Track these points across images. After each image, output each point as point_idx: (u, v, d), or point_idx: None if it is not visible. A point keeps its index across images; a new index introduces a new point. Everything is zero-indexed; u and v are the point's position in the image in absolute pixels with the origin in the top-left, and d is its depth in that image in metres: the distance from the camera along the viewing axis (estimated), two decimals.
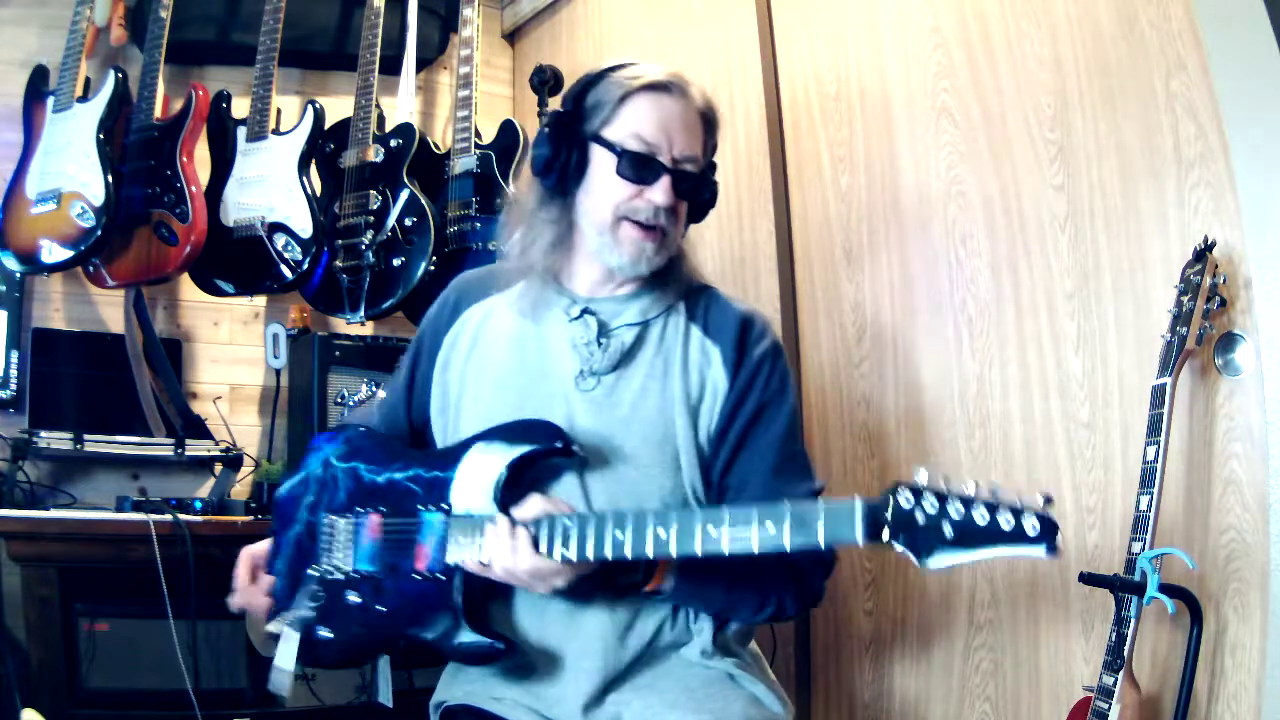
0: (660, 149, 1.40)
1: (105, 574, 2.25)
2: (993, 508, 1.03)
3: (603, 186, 1.42)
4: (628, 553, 1.22)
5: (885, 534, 1.08)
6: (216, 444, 2.60)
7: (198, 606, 2.15)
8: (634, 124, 1.40)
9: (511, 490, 1.34)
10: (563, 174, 1.44)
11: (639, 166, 1.40)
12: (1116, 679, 1.43)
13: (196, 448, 2.55)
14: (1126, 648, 1.44)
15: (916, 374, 2.01)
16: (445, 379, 1.52)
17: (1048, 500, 1.02)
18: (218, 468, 2.64)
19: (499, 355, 1.49)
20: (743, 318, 1.49)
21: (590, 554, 1.23)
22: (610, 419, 1.41)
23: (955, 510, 1.04)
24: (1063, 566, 1.73)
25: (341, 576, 1.42)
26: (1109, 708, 1.43)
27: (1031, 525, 1.01)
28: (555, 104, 2.66)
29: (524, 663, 1.37)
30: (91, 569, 2.22)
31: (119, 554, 2.15)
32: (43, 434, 2.37)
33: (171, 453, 2.50)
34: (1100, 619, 1.66)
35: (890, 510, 1.07)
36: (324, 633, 1.42)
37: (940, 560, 1.05)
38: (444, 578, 1.34)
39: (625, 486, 1.39)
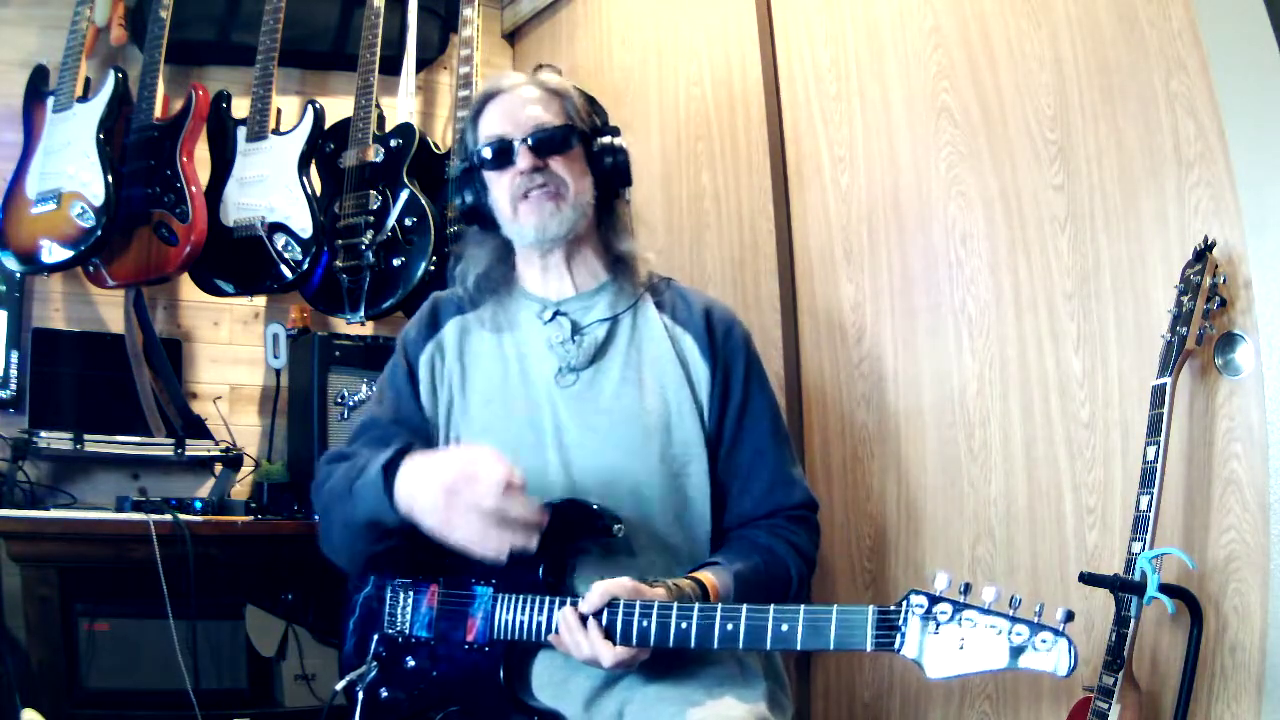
0: (508, 133, 1.53)
1: (105, 574, 2.26)
2: (1010, 621, 1.05)
3: (491, 188, 1.56)
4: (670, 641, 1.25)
5: (896, 645, 1.10)
6: (216, 444, 2.60)
7: (198, 606, 2.15)
8: (485, 130, 1.55)
9: (555, 565, 1.38)
10: (477, 210, 1.57)
11: (496, 156, 1.53)
12: (1116, 679, 1.43)
13: (196, 448, 2.54)
14: (1126, 648, 1.43)
15: (916, 374, 2.01)
16: (434, 387, 1.57)
17: (1068, 617, 1.03)
18: (218, 468, 2.64)
19: (483, 368, 1.56)
20: (705, 307, 1.59)
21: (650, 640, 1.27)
22: (592, 410, 1.48)
23: (967, 622, 1.06)
24: (1063, 565, 1.73)
25: (400, 641, 1.46)
26: (1109, 708, 1.43)
27: (1044, 642, 1.02)
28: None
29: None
30: (91, 569, 2.22)
31: (119, 554, 2.15)
32: (43, 434, 2.36)
33: (171, 453, 2.50)
34: (1100, 619, 1.66)
35: (901, 619, 1.10)
36: (385, 693, 1.46)
37: (946, 671, 1.07)
38: (489, 650, 1.39)
39: (615, 476, 1.43)
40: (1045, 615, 1.05)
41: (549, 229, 1.52)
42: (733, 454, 1.51)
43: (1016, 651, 1.03)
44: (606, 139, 1.58)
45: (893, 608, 1.11)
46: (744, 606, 1.22)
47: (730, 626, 1.21)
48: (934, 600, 1.09)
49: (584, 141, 1.56)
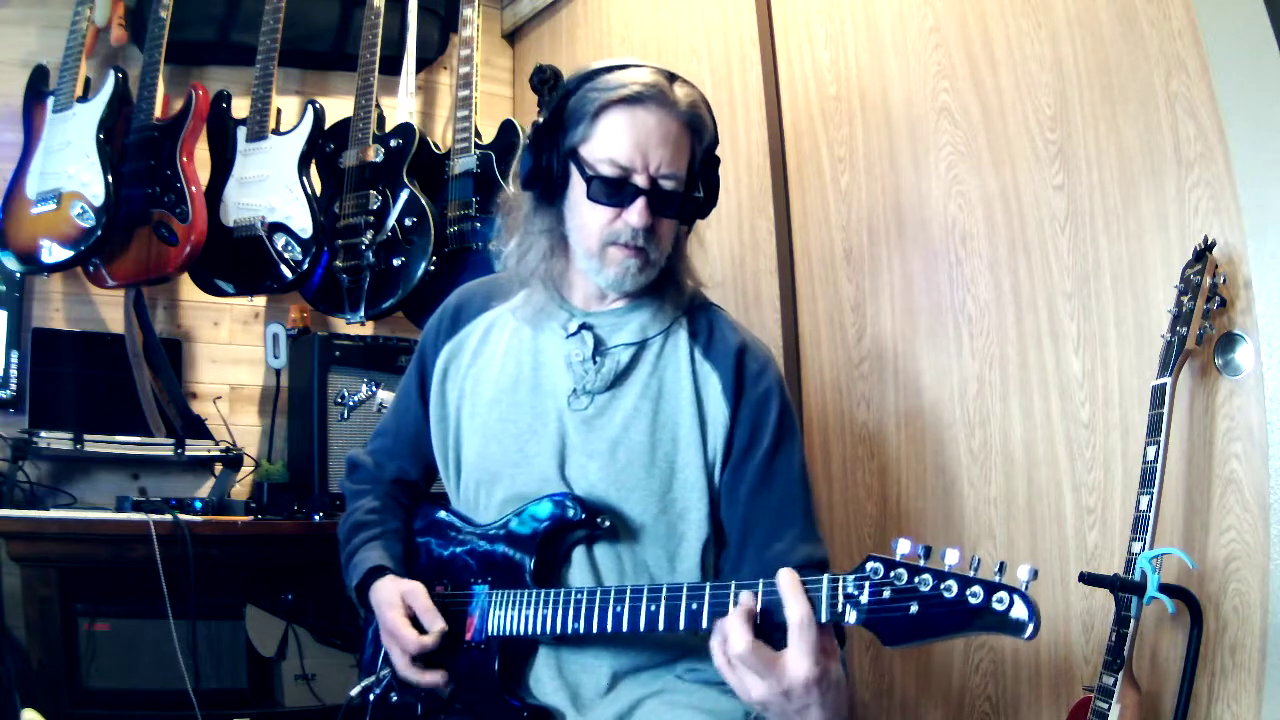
0: (635, 169, 1.36)
1: (105, 574, 2.26)
2: (964, 582, 0.99)
3: (583, 209, 1.40)
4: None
5: (849, 615, 1.05)
6: (216, 444, 2.60)
7: (198, 606, 2.15)
8: (607, 146, 1.36)
9: (545, 567, 1.38)
10: (547, 186, 1.42)
11: (612, 191, 1.36)
12: (1116, 679, 1.43)
13: (196, 448, 2.55)
14: (1126, 648, 1.44)
15: (916, 374, 2.01)
16: (444, 389, 1.53)
17: (1033, 575, 0.96)
18: (218, 468, 2.64)
19: (496, 369, 1.50)
20: (739, 346, 1.46)
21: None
22: (600, 439, 1.41)
23: (923, 584, 1.01)
24: (1063, 565, 1.73)
25: None
26: (1109, 708, 1.43)
27: (1000, 602, 0.96)
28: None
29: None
30: (91, 569, 2.22)
31: (119, 554, 2.15)
32: (43, 434, 2.37)
33: (171, 453, 2.50)
34: (1100, 619, 1.66)
35: (855, 587, 1.05)
36: (395, 697, 1.47)
37: (903, 639, 1.02)
38: (484, 647, 1.39)
39: (610, 508, 1.39)
40: (1008, 575, 0.98)
41: (625, 285, 1.42)
42: (757, 500, 1.39)
43: (972, 613, 0.97)
44: (710, 181, 1.45)
45: (850, 575, 1.06)
46: (707, 585, 1.18)
47: (695, 605, 1.18)
48: (890, 565, 1.04)
49: (690, 183, 1.42)
